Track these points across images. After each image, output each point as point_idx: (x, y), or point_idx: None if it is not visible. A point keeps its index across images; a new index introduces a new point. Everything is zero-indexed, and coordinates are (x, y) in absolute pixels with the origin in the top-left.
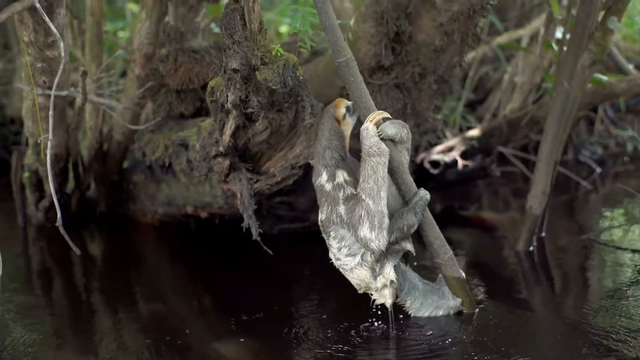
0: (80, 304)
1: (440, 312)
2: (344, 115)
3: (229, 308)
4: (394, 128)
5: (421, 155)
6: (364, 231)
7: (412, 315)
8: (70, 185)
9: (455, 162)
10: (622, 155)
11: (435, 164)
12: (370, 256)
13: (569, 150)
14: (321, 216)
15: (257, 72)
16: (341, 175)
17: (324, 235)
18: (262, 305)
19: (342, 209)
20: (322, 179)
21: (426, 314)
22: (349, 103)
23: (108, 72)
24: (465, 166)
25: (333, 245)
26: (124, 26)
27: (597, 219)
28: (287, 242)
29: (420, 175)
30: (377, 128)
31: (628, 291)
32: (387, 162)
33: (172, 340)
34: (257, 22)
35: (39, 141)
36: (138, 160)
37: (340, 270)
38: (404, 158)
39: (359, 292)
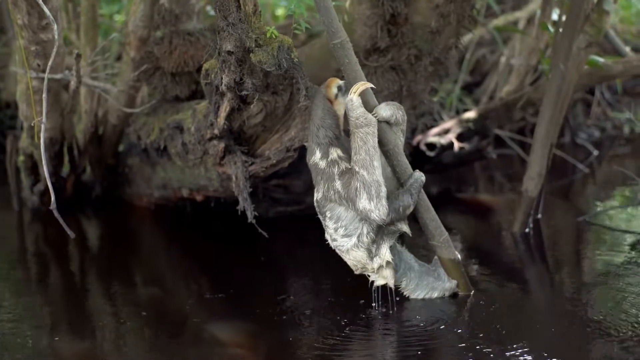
0: (76, 287)
1: (436, 294)
2: (336, 95)
3: (224, 291)
4: (389, 110)
5: (417, 138)
6: (363, 203)
7: (406, 295)
8: (66, 168)
9: (451, 144)
10: (619, 138)
11: (431, 146)
12: (367, 236)
13: (565, 132)
14: (317, 195)
15: (251, 55)
16: (335, 152)
17: (320, 216)
18: (258, 288)
19: (338, 184)
20: (315, 157)
21: (421, 296)
22: (341, 82)
23: (104, 55)
24: (461, 148)
25: (329, 226)
26: (120, 9)
27: (593, 202)
28: (283, 225)
29: (417, 157)
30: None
31: (623, 273)
32: (375, 131)
33: (167, 323)
34: (251, 4)
35: (32, 124)
36: (133, 144)
37: (337, 251)
38: (399, 140)
39: (356, 272)
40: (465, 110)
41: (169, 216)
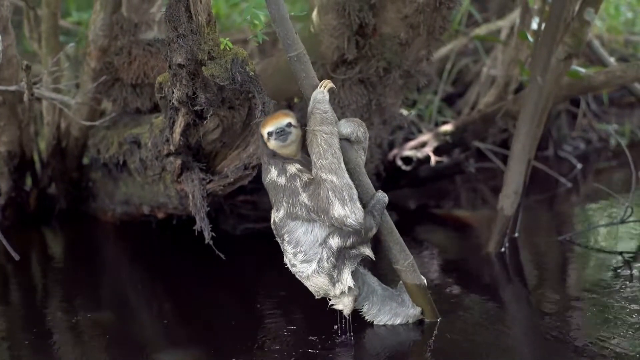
0: (35, 306)
1: (399, 320)
2: (268, 137)
3: (185, 314)
4: (349, 127)
5: (393, 152)
6: (337, 210)
7: (368, 320)
8: (29, 182)
9: (428, 158)
10: (606, 150)
11: (407, 160)
12: (327, 261)
13: (549, 145)
14: (276, 216)
15: (203, 68)
16: (292, 167)
17: (277, 239)
18: (219, 311)
19: (304, 197)
20: (272, 175)
21: (383, 321)
22: (273, 128)
23: (74, 65)
24: (438, 162)
25: (288, 250)
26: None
27: (575, 219)
28: (250, 243)
29: (392, 172)
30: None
31: (604, 296)
32: (337, 133)
33: (125, 347)
34: (204, 14)
35: None
36: (94, 158)
37: (297, 276)
38: (360, 159)
39: (317, 297)
40: (445, 122)
41: (134, 232)
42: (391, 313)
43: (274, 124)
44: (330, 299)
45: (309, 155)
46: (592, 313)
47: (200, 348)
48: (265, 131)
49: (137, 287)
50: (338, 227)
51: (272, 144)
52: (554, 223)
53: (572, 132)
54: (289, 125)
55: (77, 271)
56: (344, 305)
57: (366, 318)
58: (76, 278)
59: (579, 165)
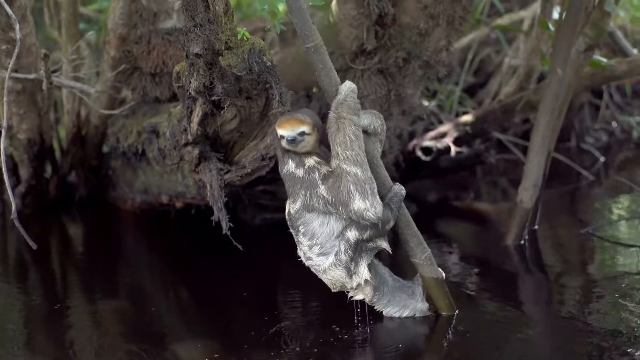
0: (54, 294)
1: (407, 313)
2: (281, 138)
3: (202, 302)
4: (366, 119)
5: (413, 142)
6: (357, 203)
7: (377, 310)
8: (49, 170)
9: (448, 148)
10: (628, 142)
11: (427, 150)
12: (345, 254)
13: (571, 137)
14: (292, 207)
15: (220, 58)
16: (310, 159)
17: (292, 230)
18: (236, 300)
19: (323, 189)
20: (289, 167)
21: (391, 313)
22: (292, 132)
23: (94, 53)
24: (458, 153)
25: (303, 242)
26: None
27: (596, 212)
28: (269, 233)
29: (412, 162)
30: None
31: (624, 288)
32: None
33: (142, 335)
34: (222, 4)
35: None
36: (114, 146)
37: (312, 269)
38: (377, 151)
39: (333, 290)
40: (465, 113)
41: (153, 221)
42: (400, 305)
43: (287, 130)
44: (348, 292)
45: (327, 148)
46: (612, 304)
47: (216, 337)
48: (278, 132)
49: (154, 276)
50: (355, 221)
51: (285, 145)
52: (574, 216)
53: (594, 124)
54: (302, 134)
55: (96, 259)
56: (364, 294)
57: (375, 308)
58: (95, 266)
59: (602, 158)
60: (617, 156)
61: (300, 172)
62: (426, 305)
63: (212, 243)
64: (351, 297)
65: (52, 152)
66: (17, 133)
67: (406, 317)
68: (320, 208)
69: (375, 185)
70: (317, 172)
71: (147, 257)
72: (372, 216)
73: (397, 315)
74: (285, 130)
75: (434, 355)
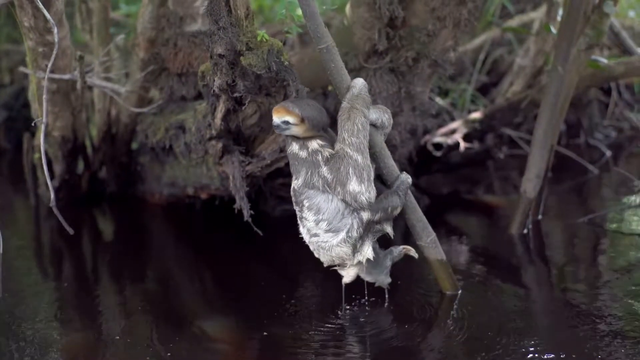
0: (86, 279)
1: (368, 278)
2: (276, 127)
3: (224, 286)
4: (375, 113)
5: (424, 138)
6: (353, 185)
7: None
8: (81, 165)
9: (457, 144)
10: (637, 139)
11: (438, 146)
12: (357, 231)
13: (580, 133)
14: (295, 183)
15: (241, 58)
16: (314, 143)
17: (295, 206)
18: (256, 284)
19: (324, 170)
20: (293, 148)
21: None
22: (277, 119)
23: (123, 55)
24: (468, 149)
25: (308, 218)
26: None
27: (598, 203)
28: (288, 223)
29: (424, 157)
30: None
31: (626, 274)
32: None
33: (170, 318)
34: (243, 8)
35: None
36: (143, 143)
37: (312, 245)
38: (383, 142)
39: (325, 265)
40: (475, 110)
41: (180, 213)
42: (364, 271)
43: (275, 115)
44: (337, 266)
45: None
46: (613, 290)
47: (237, 316)
48: (275, 118)
49: (181, 263)
50: (348, 203)
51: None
52: (578, 207)
53: (603, 120)
54: (286, 123)
55: (125, 248)
56: (348, 274)
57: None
58: (124, 254)
59: (608, 153)
60: (624, 152)
61: (303, 154)
62: (389, 280)
63: (234, 233)
64: (337, 271)
65: (84, 149)
66: (51, 131)
67: (408, 296)
68: (319, 187)
69: (372, 173)
70: (320, 155)
71: (174, 246)
72: (365, 200)
73: (360, 277)
74: (274, 116)
75: (440, 331)
